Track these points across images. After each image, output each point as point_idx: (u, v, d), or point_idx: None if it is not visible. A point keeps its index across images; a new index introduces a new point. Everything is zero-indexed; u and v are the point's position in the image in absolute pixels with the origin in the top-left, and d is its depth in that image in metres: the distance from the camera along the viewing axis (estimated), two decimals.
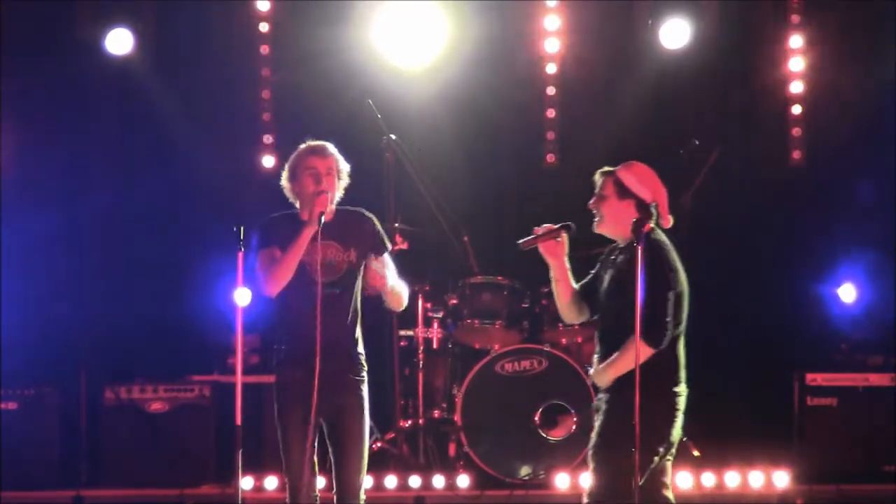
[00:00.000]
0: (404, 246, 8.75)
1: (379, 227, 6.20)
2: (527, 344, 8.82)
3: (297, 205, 6.07)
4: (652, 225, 5.68)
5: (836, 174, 9.96)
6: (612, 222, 5.74)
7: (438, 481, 8.36)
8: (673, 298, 5.61)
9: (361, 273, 6.08)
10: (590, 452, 5.66)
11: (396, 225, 8.71)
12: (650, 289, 5.50)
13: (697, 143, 8.67)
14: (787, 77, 10.02)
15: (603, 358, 5.68)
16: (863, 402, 8.74)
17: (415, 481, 8.36)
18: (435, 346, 9.02)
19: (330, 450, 6.02)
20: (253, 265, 6.00)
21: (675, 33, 9.78)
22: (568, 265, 5.83)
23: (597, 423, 5.70)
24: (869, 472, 8.53)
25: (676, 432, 5.65)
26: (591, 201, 5.80)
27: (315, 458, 5.98)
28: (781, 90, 10.05)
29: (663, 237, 5.74)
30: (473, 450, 8.47)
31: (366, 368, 6.07)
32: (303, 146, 6.13)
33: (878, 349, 9.21)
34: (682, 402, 5.66)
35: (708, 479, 8.29)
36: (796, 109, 10.03)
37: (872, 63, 9.67)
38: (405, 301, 6.28)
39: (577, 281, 5.94)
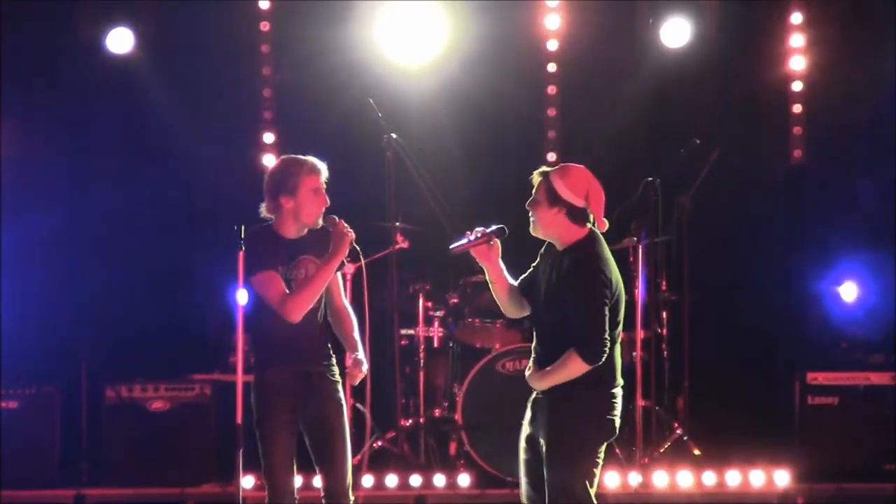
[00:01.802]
0: (405, 245, 8.76)
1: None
2: (528, 343, 8.81)
3: (275, 217, 6.02)
4: (588, 227, 5.63)
5: (836, 174, 9.97)
6: (544, 226, 5.65)
7: (439, 480, 8.36)
8: (608, 312, 5.52)
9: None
10: (543, 453, 5.60)
11: (397, 224, 8.71)
12: (586, 305, 5.45)
13: (698, 142, 8.67)
14: (787, 76, 10.02)
15: (539, 361, 5.62)
16: (863, 401, 8.75)
17: (416, 480, 8.37)
18: (436, 344, 9.03)
19: (315, 451, 6.03)
20: (248, 285, 5.94)
21: (676, 32, 9.79)
22: (502, 266, 5.78)
23: (541, 427, 5.63)
24: (869, 471, 8.54)
25: (613, 433, 5.60)
26: (527, 202, 5.70)
27: (294, 460, 6.00)
28: (782, 89, 10.06)
29: (600, 244, 5.64)
30: (474, 449, 8.47)
31: (337, 369, 6.10)
32: (294, 161, 6.05)
33: (878, 348, 9.22)
34: (619, 403, 5.61)
35: (709, 477, 8.29)
36: (797, 108, 10.03)
37: (873, 62, 9.67)
38: (355, 325, 6.20)
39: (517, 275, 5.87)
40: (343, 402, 6.06)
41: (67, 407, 9.10)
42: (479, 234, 5.76)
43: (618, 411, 5.59)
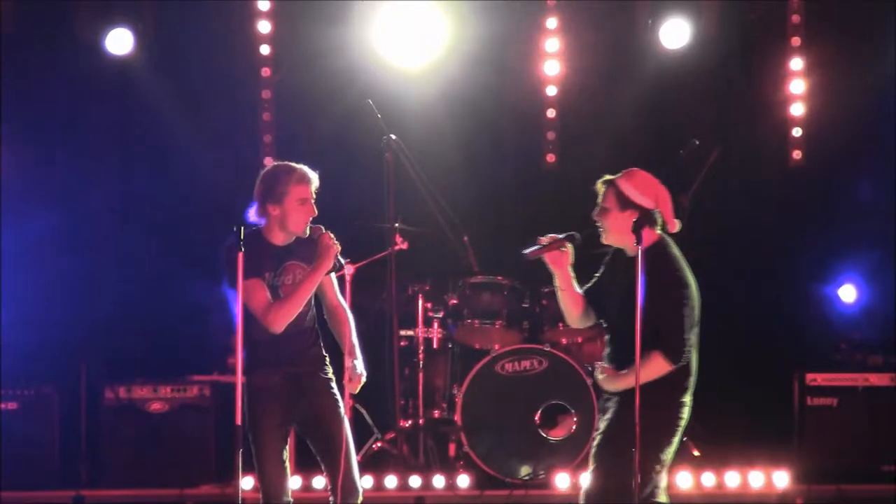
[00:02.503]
0: (404, 246, 8.76)
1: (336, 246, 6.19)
2: (527, 344, 8.82)
3: (264, 222, 6.02)
4: (659, 233, 5.68)
5: (836, 174, 9.96)
6: (617, 233, 5.72)
7: (438, 481, 8.36)
8: (687, 314, 5.61)
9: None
10: (592, 452, 5.67)
11: (397, 225, 8.71)
12: (668, 306, 5.56)
13: (697, 143, 8.67)
14: (787, 76, 10.02)
15: (615, 363, 5.67)
16: (862, 402, 8.74)
17: (415, 481, 8.36)
18: (435, 346, 9.02)
19: (317, 451, 6.04)
20: (233, 291, 5.92)
21: (675, 33, 9.79)
22: (572, 273, 5.81)
23: (602, 425, 5.70)
24: (869, 472, 8.54)
25: (677, 441, 5.65)
26: (595, 212, 5.76)
27: (287, 462, 6.01)
28: (782, 90, 10.05)
29: (673, 248, 5.73)
30: (473, 450, 8.47)
31: (330, 368, 6.13)
32: (285, 168, 6.01)
33: (877, 349, 9.21)
34: (686, 413, 5.71)
35: (708, 478, 8.29)
36: (796, 109, 10.03)
37: (872, 63, 9.67)
38: (352, 325, 6.20)
39: (581, 284, 5.93)
40: (338, 398, 6.07)
41: (66, 408, 9.09)
42: (551, 240, 5.74)
43: (684, 418, 5.68)
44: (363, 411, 8.86)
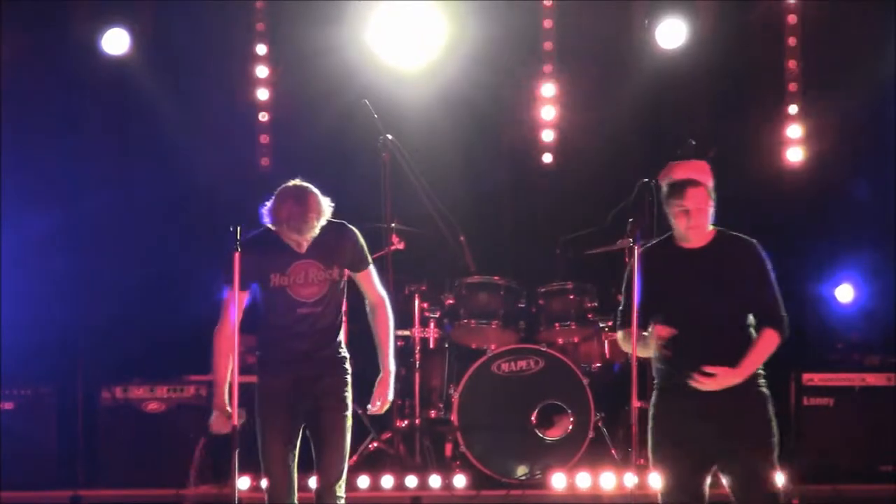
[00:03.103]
0: (401, 246, 8.76)
1: (361, 241, 6.24)
2: (523, 344, 8.83)
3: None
4: None
5: (833, 174, 9.96)
6: (705, 228, 5.81)
7: (435, 481, 8.36)
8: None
9: (344, 285, 6.16)
10: (763, 451, 5.77)
11: (393, 225, 8.71)
12: (770, 281, 5.78)
13: (694, 143, 8.67)
14: (785, 76, 10.02)
15: (717, 359, 5.61)
16: (859, 402, 8.74)
17: (411, 481, 8.36)
18: (431, 345, 9.03)
19: (313, 446, 6.11)
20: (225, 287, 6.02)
21: (672, 33, 9.80)
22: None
23: (743, 424, 5.71)
24: (866, 472, 8.54)
25: None
26: (695, 218, 5.73)
27: (295, 462, 6.05)
28: (779, 89, 10.05)
29: None
30: (470, 450, 8.47)
31: (348, 368, 6.19)
32: (289, 208, 5.97)
33: (874, 349, 9.22)
34: None
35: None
36: (793, 109, 10.03)
37: (871, 63, 9.67)
38: (390, 326, 6.33)
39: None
40: (347, 403, 6.12)
41: (64, 408, 9.09)
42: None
43: None
44: (360, 411, 8.86)
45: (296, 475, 6.09)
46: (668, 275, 5.78)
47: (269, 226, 6.03)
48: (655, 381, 5.86)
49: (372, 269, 6.28)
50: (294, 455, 6.06)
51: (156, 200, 9.79)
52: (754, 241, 5.86)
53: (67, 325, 9.48)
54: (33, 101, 9.85)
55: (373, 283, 6.28)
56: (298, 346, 6.05)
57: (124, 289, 9.76)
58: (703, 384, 5.62)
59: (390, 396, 6.25)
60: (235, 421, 5.93)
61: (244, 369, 8.53)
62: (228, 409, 5.95)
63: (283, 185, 6.09)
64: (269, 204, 6.04)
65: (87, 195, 9.84)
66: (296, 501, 6.08)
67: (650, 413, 5.81)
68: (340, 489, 6.11)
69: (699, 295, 5.71)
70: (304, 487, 8.14)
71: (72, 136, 9.96)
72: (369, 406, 6.24)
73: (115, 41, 9.76)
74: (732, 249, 5.79)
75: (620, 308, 5.98)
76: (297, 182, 6.09)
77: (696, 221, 5.73)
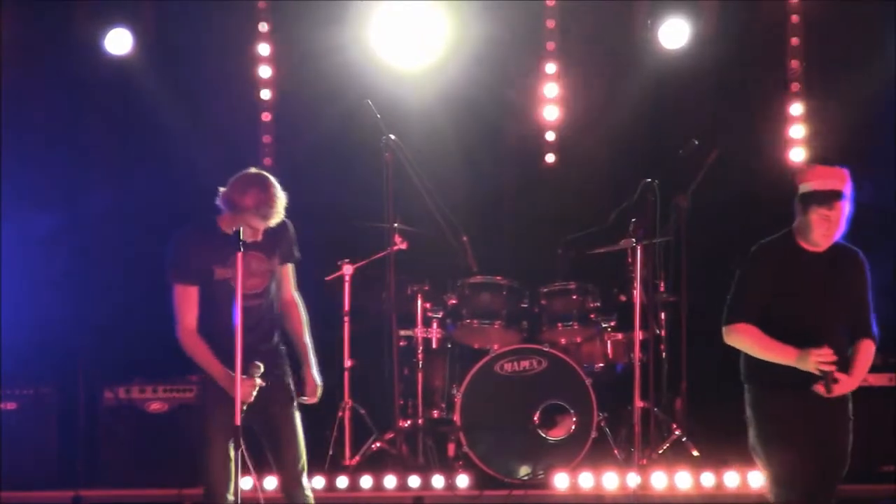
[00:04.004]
0: (403, 246, 8.76)
1: (293, 233, 6.25)
2: (526, 344, 8.83)
3: (220, 213, 6.08)
4: None
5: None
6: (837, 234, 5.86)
7: (437, 481, 8.35)
8: None
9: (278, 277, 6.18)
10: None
11: (396, 225, 8.71)
12: (867, 291, 5.82)
13: (696, 143, 8.67)
14: (786, 76, 10.02)
15: (841, 366, 5.66)
16: (861, 403, 8.71)
17: (414, 481, 8.36)
18: (434, 346, 9.02)
19: (267, 449, 6.09)
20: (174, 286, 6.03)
21: (674, 33, 9.79)
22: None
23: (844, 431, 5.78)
24: (867, 473, 8.52)
25: None
26: (834, 228, 5.80)
27: (238, 461, 6.01)
28: (780, 89, 10.05)
29: None
30: (472, 450, 8.47)
31: (288, 360, 6.22)
32: (257, 193, 5.99)
33: (876, 349, 9.18)
34: None
35: (707, 478, 8.28)
36: (795, 109, 10.03)
37: (872, 61, 9.67)
38: (305, 323, 6.33)
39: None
40: (293, 395, 6.15)
41: (65, 408, 9.09)
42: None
43: None
44: (362, 411, 8.86)
45: (236, 476, 6.03)
46: (797, 276, 5.82)
47: (230, 214, 5.99)
48: (772, 379, 5.86)
49: (293, 267, 6.29)
50: (235, 453, 6.00)
51: (158, 200, 9.77)
52: (859, 251, 5.93)
53: (69, 324, 9.48)
54: (34, 101, 9.84)
55: (292, 279, 6.31)
56: (247, 338, 6.00)
57: (126, 289, 9.75)
58: (829, 390, 5.67)
59: (319, 380, 6.23)
60: (238, 420, 5.92)
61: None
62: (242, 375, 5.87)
63: (241, 174, 6.10)
64: (225, 192, 6.02)
65: (88, 195, 9.84)
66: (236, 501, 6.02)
67: (776, 412, 5.86)
68: (306, 480, 6.10)
69: (821, 298, 5.78)
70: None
71: (73, 136, 9.95)
72: (304, 397, 6.19)
73: (118, 41, 9.75)
74: (846, 258, 5.87)
75: (734, 301, 5.91)
76: (255, 170, 6.12)
77: (834, 231, 5.82)
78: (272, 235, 6.11)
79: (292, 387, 6.19)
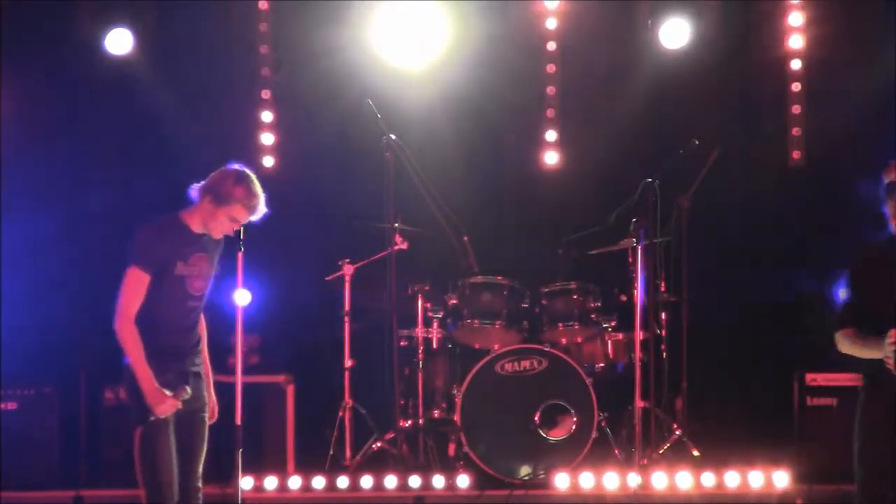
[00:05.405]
0: (404, 246, 8.76)
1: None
2: (527, 344, 8.82)
3: (192, 206, 6.09)
4: None
5: (836, 174, 9.96)
6: None
7: (438, 481, 8.35)
8: None
9: None
10: None
11: (396, 225, 8.71)
12: None
13: (697, 143, 8.67)
14: (786, 77, 10.02)
15: None
16: None
17: (414, 481, 8.35)
18: (435, 346, 9.02)
19: (178, 437, 6.02)
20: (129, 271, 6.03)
21: (675, 33, 9.79)
22: None
23: None
24: None
25: None
26: None
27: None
28: (781, 90, 10.05)
29: None
30: (473, 450, 8.47)
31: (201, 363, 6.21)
32: (246, 185, 6.04)
33: None
34: None
35: (708, 478, 8.27)
36: (796, 109, 10.03)
37: (873, 63, 9.66)
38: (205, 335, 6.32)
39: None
40: (205, 400, 6.15)
41: (66, 408, 9.09)
42: None
43: None
44: (363, 411, 8.86)
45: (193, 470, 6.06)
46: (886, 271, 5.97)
47: (213, 205, 5.99)
48: (870, 374, 5.98)
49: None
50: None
51: (158, 200, 9.72)
52: None
53: (70, 324, 9.48)
54: (36, 101, 9.84)
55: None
56: (185, 340, 6.06)
57: None
58: None
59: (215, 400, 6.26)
60: (238, 420, 5.93)
61: (248, 370, 8.57)
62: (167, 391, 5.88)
63: (228, 168, 6.11)
64: (211, 183, 6.03)
65: (89, 195, 9.84)
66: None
67: (869, 406, 5.93)
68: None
69: None
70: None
71: (74, 136, 9.96)
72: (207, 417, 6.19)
73: (118, 41, 9.75)
74: None
75: (847, 306, 6.14)
76: (239, 166, 6.14)
77: None
78: (215, 245, 6.13)
79: (205, 392, 6.19)
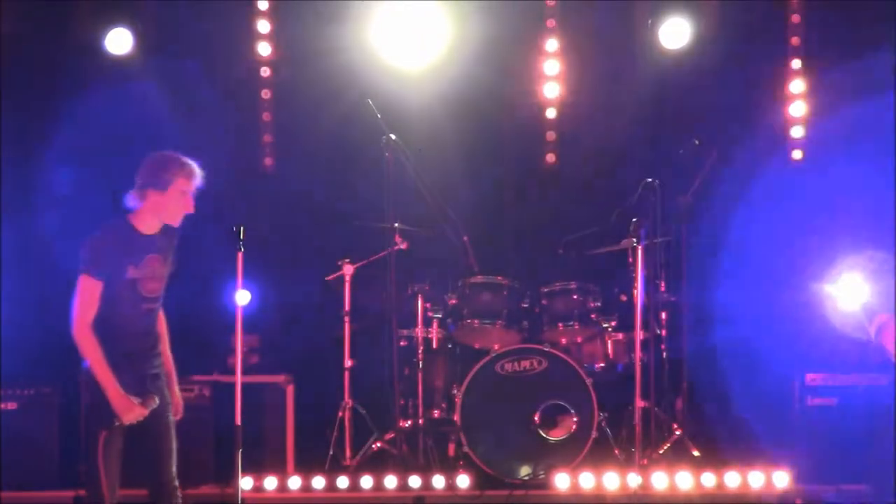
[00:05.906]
0: (404, 246, 8.76)
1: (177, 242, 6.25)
2: (526, 344, 8.82)
3: (136, 208, 6.08)
4: None
5: (836, 173, 9.95)
6: None
7: (438, 481, 8.35)
8: None
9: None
10: None
11: (396, 225, 8.71)
12: None
13: (697, 143, 8.67)
14: (786, 76, 10.02)
15: None
16: (863, 402, 8.73)
17: (414, 481, 8.35)
18: (435, 346, 9.02)
19: (143, 450, 6.03)
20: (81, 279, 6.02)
21: (675, 33, 9.79)
22: None
23: None
24: (869, 473, 8.52)
25: None
26: None
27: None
28: (781, 89, 10.05)
29: None
30: (473, 450, 8.47)
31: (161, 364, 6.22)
32: (174, 158, 6.17)
33: (877, 349, 9.18)
34: None
35: (708, 478, 8.27)
36: (796, 109, 10.03)
37: (872, 60, 9.66)
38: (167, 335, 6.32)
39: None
40: (169, 401, 6.15)
41: (66, 408, 9.07)
42: None
43: None
44: (363, 411, 8.86)
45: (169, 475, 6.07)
46: None
47: (158, 194, 6.03)
48: None
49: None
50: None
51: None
52: None
53: (70, 324, 9.45)
54: (35, 101, 9.83)
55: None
56: (142, 343, 6.05)
57: None
58: None
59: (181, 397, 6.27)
60: (238, 420, 5.93)
61: (248, 370, 8.57)
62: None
63: (152, 156, 6.23)
64: (147, 176, 6.08)
65: (88, 194, 9.82)
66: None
67: None
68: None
69: None
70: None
71: (74, 135, 9.94)
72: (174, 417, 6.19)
73: (118, 41, 9.75)
74: None
75: None
76: (151, 153, 6.24)
77: None
78: (169, 238, 6.15)
79: (167, 394, 6.18)
